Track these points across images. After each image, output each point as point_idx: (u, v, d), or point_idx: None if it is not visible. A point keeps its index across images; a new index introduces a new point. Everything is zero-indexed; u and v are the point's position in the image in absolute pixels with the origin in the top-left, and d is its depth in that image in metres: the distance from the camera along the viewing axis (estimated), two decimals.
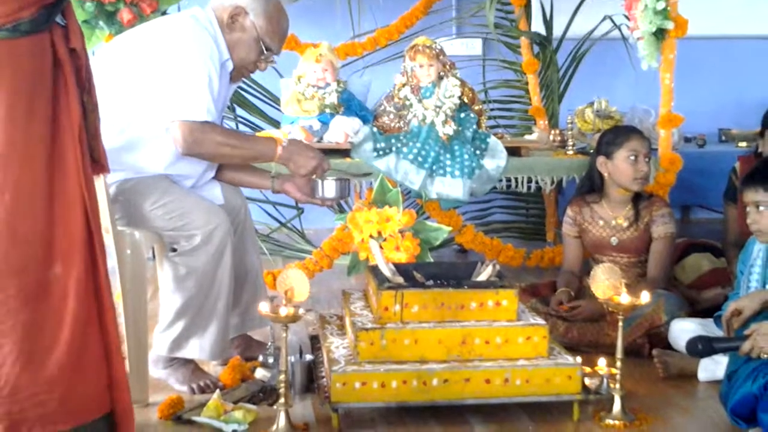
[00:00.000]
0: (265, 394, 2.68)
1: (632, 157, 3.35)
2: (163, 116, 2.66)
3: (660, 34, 3.69)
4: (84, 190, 1.95)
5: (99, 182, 2.50)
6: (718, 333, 2.73)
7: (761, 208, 2.66)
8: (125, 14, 3.53)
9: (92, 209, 1.97)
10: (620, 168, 3.37)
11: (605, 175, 3.42)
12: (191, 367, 2.77)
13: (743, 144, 5.12)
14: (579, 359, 2.56)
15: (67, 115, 1.94)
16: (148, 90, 2.66)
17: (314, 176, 2.87)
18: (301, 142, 3.03)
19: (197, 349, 2.72)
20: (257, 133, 4.03)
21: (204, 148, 2.69)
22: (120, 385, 2.04)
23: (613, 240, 3.41)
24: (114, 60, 2.77)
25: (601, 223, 3.44)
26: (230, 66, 2.81)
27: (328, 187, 2.87)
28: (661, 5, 3.61)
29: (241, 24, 2.80)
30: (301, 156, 2.84)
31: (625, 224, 3.40)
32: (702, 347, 2.47)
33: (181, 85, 2.64)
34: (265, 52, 2.83)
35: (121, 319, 2.61)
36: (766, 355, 2.34)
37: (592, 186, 3.49)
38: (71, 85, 1.94)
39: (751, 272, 2.78)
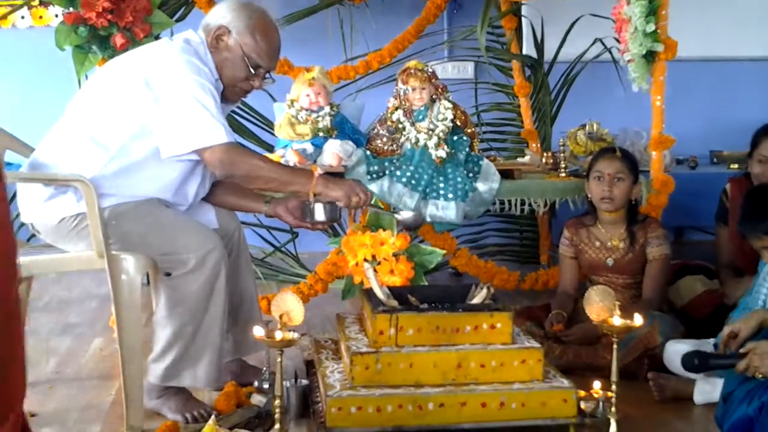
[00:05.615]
0: (261, 420, 2.66)
1: (598, 178, 3.43)
2: (181, 145, 2.65)
3: (650, 56, 3.71)
4: None
5: (93, 206, 2.50)
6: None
7: None
8: (118, 39, 3.52)
9: None
10: (591, 189, 3.49)
11: (590, 196, 3.49)
12: (185, 395, 2.74)
13: (735, 165, 5.13)
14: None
15: None
16: (145, 117, 2.65)
17: (355, 202, 2.88)
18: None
19: (191, 377, 2.69)
20: None
21: (241, 169, 2.71)
22: None
23: (609, 261, 3.43)
24: (104, 85, 2.75)
25: (597, 244, 3.47)
26: (220, 86, 2.81)
27: (319, 211, 2.87)
28: (650, 28, 3.63)
29: (225, 43, 2.80)
30: (337, 180, 2.92)
31: (621, 245, 3.42)
32: (698, 362, 2.47)
33: (194, 113, 2.63)
34: (254, 69, 2.83)
35: (117, 345, 2.61)
36: (761, 375, 2.34)
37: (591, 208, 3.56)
38: None
39: (759, 291, 2.77)
